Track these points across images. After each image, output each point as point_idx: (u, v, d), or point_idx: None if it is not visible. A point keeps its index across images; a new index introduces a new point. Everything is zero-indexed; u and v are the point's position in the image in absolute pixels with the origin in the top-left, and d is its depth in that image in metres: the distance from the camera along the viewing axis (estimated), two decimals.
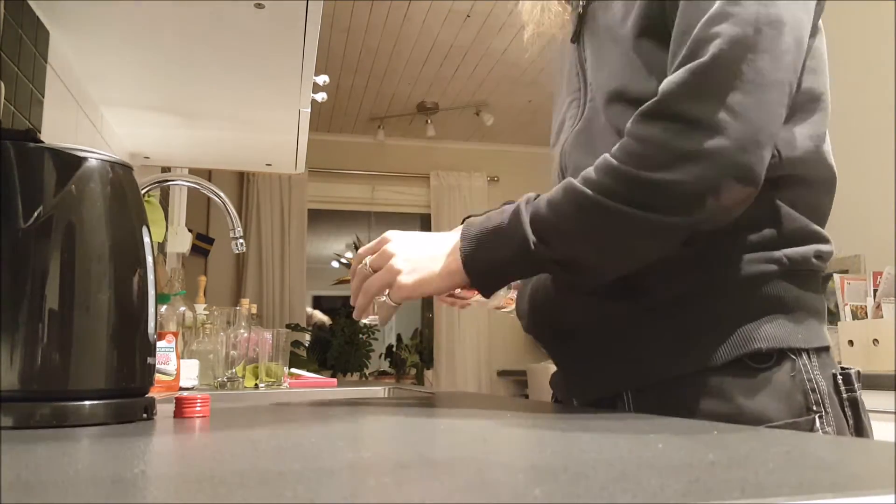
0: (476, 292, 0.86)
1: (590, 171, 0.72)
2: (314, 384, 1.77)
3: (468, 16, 3.67)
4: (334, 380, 1.85)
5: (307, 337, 5.02)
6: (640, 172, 0.68)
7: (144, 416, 0.68)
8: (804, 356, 0.74)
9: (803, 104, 0.77)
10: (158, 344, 1.38)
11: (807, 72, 0.76)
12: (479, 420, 0.69)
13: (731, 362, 0.73)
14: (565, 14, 0.91)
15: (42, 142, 0.66)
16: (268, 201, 4.96)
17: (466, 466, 0.39)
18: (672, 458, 0.40)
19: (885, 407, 1.70)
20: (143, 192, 1.53)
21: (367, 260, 0.84)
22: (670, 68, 0.72)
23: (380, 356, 5.33)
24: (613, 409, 0.80)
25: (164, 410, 0.74)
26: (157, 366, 1.41)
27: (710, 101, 0.67)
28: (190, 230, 3.05)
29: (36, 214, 0.62)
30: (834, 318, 2.43)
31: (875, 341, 2.13)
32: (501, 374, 5.22)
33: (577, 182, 0.72)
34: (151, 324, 0.69)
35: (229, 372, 1.68)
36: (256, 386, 1.66)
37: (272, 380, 1.67)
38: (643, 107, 0.71)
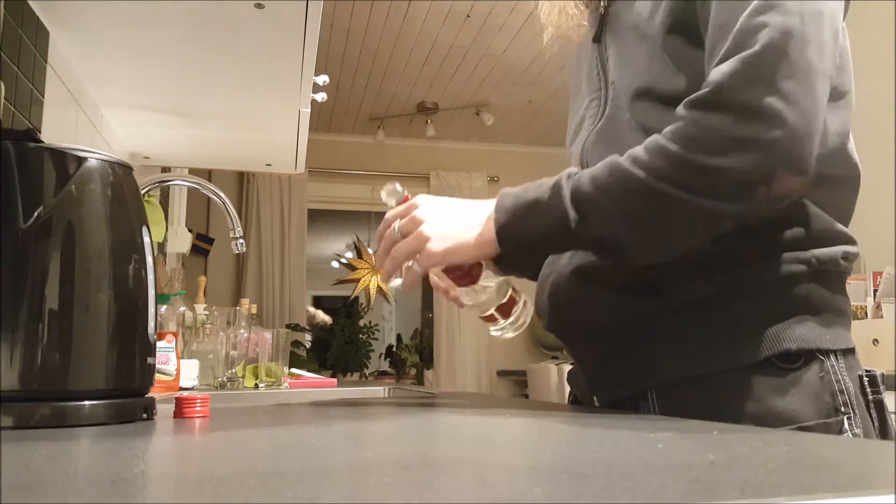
0: (467, 283, 0.84)
1: (638, 151, 0.71)
2: (314, 384, 1.77)
3: (468, 16, 3.67)
4: (334, 380, 1.85)
5: (307, 337, 5.02)
6: (695, 156, 0.67)
7: (144, 416, 0.68)
8: (832, 357, 0.74)
9: (831, 100, 0.77)
10: (158, 344, 1.38)
11: (833, 68, 0.76)
12: (479, 420, 0.69)
13: (760, 362, 0.72)
14: (582, 16, 0.91)
15: (42, 142, 0.66)
16: (268, 201, 4.95)
17: (466, 466, 0.39)
18: (672, 458, 0.40)
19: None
20: (143, 192, 1.53)
21: (396, 224, 0.82)
22: (710, 62, 0.72)
23: (380, 356, 5.33)
24: (636, 409, 0.79)
25: (164, 410, 0.74)
26: (157, 366, 1.41)
27: (765, 89, 0.66)
28: (190, 230, 3.05)
29: (36, 214, 0.62)
30: None
31: (875, 341, 2.13)
32: (501, 374, 5.22)
33: (624, 161, 0.71)
34: (151, 324, 0.69)
35: (229, 372, 1.68)
36: (256, 386, 1.66)
37: (272, 380, 1.67)
38: (696, 95, 0.70)
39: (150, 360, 0.69)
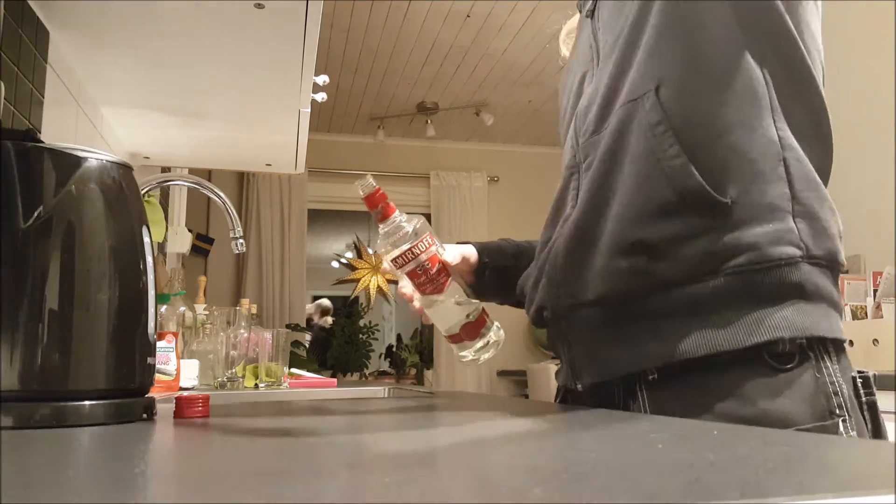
0: (431, 291, 0.83)
1: None
2: (314, 384, 1.77)
3: (468, 16, 3.67)
4: (334, 380, 1.85)
5: (307, 337, 5.02)
6: None
7: (144, 416, 0.68)
8: (826, 358, 0.73)
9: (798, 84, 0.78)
10: (158, 344, 1.38)
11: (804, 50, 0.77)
12: (479, 420, 0.69)
13: (752, 360, 0.71)
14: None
15: (42, 142, 0.66)
16: (268, 201, 4.96)
17: (466, 466, 0.39)
18: (672, 458, 0.40)
19: (885, 407, 1.70)
20: (143, 192, 1.53)
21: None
22: None
23: (380, 356, 5.33)
24: (626, 408, 0.78)
25: (164, 410, 0.74)
26: (157, 366, 1.41)
27: None
28: (190, 230, 3.05)
29: (36, 214, 0.62)
30: None
31: (875, 341, 2.13)
32: (501, 374, 5.22)
33: None
34: (151, 324, 0.69)
35: (229, 372, 1.68)
36: (256, 386, 1.66)
37: (272, 380, 1.67)
38: None
39: (150, 360, 0.69)
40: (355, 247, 5.65)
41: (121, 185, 0.68)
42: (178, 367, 1.46)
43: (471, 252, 0.98)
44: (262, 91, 1.53)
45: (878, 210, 2.63)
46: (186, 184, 1.78)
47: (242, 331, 1.69)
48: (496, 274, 1.00)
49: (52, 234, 0.63)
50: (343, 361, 4.93)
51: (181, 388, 1.51)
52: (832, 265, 0.76)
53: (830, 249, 0.76)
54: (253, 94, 1.55)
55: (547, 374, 4.26)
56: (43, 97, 1.26)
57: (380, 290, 5.57)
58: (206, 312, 1.87)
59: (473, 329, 0.83)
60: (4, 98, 1.08)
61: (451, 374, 5.09)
